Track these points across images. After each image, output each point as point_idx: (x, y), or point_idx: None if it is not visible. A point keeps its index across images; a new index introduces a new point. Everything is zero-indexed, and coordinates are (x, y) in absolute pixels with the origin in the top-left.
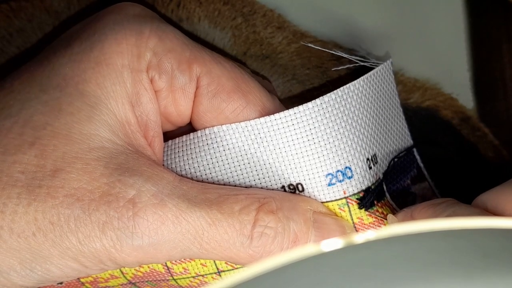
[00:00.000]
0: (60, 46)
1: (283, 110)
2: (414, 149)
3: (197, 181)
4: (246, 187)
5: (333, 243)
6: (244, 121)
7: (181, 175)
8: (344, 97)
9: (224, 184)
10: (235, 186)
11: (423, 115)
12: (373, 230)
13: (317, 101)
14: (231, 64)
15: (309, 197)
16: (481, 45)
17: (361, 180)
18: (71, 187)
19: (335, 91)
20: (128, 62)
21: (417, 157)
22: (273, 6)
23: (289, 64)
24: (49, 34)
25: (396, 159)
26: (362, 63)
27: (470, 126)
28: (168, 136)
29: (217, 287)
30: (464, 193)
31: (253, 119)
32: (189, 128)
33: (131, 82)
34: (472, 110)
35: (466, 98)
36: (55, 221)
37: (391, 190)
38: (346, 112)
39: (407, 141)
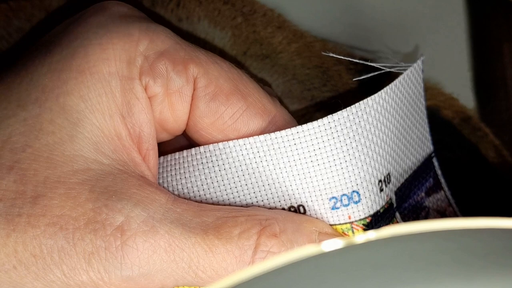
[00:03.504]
0: (39, 53)
1: (284, 113)
2: (434, 156)
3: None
4: (246, 207)
5: (333, 243)
6: (243, 126)
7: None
8: (360, 113)
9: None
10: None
11: None
12: (373, 230)
13: (325, 119)
14: (228, 64)
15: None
16: (482, 45)
17: (369, 204)
18: (54, 215)
19: (348, 108)
20: (116, 69)
21: (435, 163)
22: (273, 6)
23: (289, 64)
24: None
25: (411, 172)
26: (389, 69)
27: (471, 126)
28: (162, 149)
29: (217, 287)
30: (465, 193)
31: (252, 129)
32: (185, 142)
33: (121, 91)
34: (473, 110)
35: (467, 98)
36: (37, 253)
37: (402, 208)
38: (360, 131)
39: (427, 147)
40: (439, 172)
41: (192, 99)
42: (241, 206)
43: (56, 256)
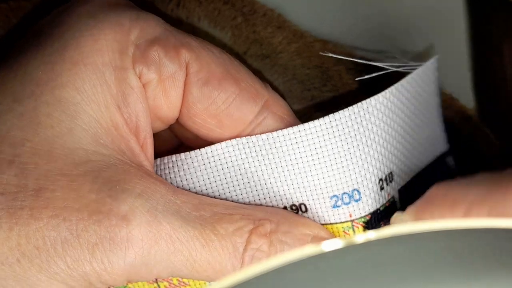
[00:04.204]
0: (30, 46)
1: (277, 97)
2: (450, 156)
3: None
4: (244, 205)
5: (333, 243)
6: (236, 111)
7: None
8: (362, 113)
9: None
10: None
11: None
12: (374, 230)
13: (326, 118)
14: (219, 50)
15: (313, 218)
16: (482, 44)
17: (369, 202)
18: (56, 207)
19: (350, 108)
20: (109, 59)
21: (450, 162)
22: (273, 6)
23: (289, 64)
24: None
25: (419, 170)
26: (395, 69)
27: (470, 126)
28: (156, 150)
29: (217, 287)
30: None
31: (245, 113)
32: (178, 141)
33: (115, 81)
34: (473, 110)
35: (466, 98)
36: (40, 245)
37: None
38: (362, 130)
39: (441, 146)
40: (453, 169)
41: (184, 85)
42: (243, 203)
43: (59, 248)
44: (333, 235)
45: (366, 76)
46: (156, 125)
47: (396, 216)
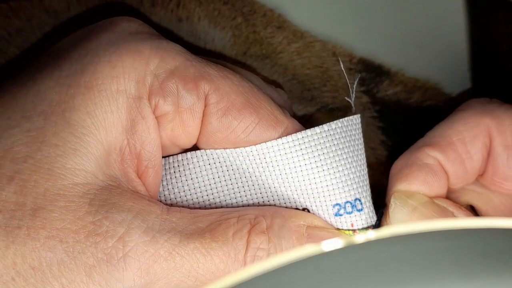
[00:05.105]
0: (48, 65)
1: (295, 124)
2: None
3: (198, 203)
4: (236, 207)
5: (333, 243)
6: (256, 139)
7: (180, 197)
8: (349, 127)
9: (226, 206)
10: (232, 207)
11: (423, 115)
12: (374, 230)
13: (325, 126)
14: (239, 78)
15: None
16: (482, 45)
17: (370, 214)
18: (53, 228)
19: (341, 120)
20: (124, 87)
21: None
22: (273, 6)
23: (289, 64)
24: (48, 34)
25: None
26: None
27: None
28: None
29: (217, 287)
30: None
31: (265, 141)
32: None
33: (127, 108)
34: None
35: (466, 98)
36: (36, 265)
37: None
38: (352, 143)
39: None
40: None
41: (203, 115)
42: (247, 204)
43: (55, 269)
44: (327, 224)
45: (351, 100)
46: (172, 150)
47: (392, 202)
